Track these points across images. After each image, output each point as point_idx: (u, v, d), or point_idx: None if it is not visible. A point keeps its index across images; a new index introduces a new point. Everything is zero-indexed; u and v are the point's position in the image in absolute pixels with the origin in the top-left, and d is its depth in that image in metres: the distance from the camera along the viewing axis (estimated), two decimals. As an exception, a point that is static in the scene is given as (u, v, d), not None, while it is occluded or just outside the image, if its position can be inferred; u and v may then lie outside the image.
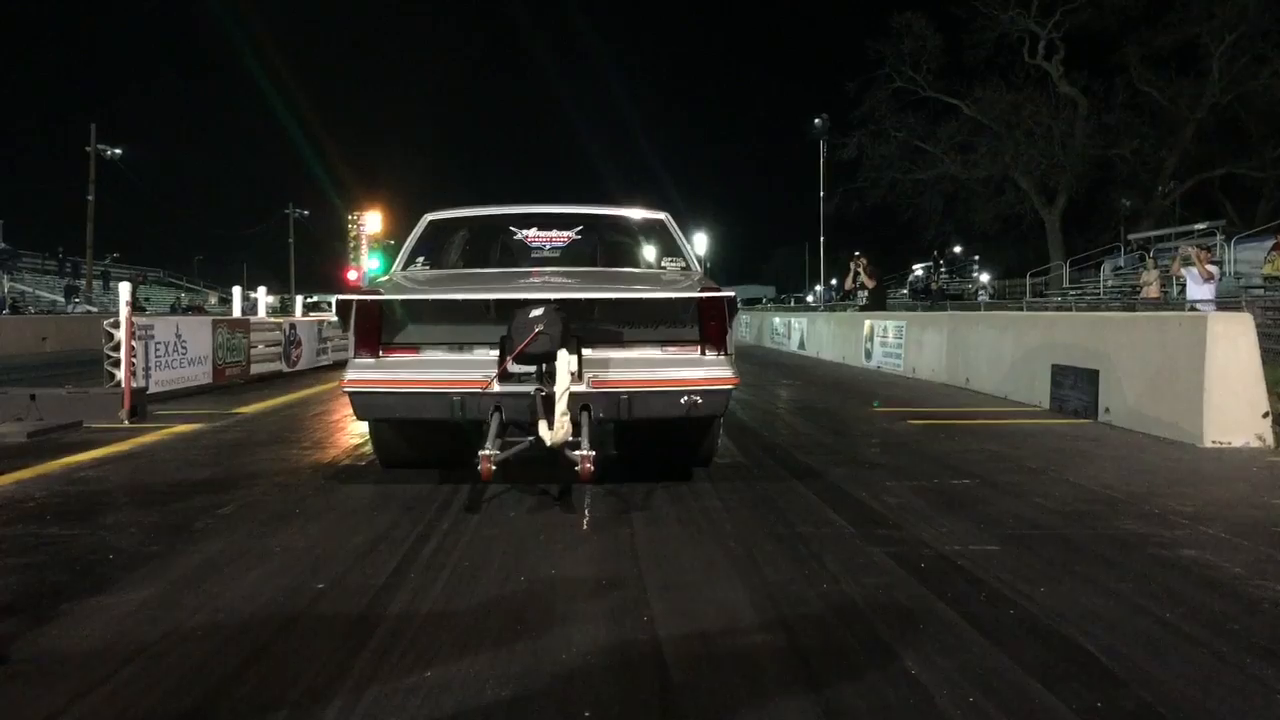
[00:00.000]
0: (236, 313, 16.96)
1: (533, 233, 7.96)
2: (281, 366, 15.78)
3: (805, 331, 24.43)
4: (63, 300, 47.95)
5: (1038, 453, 7.81)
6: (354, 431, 9.47)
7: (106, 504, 5.85)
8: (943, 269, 69.23)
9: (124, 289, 10.86)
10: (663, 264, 7.57)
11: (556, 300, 5.66)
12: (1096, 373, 9.79)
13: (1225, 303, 18.98)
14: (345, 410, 11.22)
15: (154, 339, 11.54)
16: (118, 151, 48.58)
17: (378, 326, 6.08)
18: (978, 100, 45.75)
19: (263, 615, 3.75)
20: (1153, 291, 23.72)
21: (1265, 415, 8.04)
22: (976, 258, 77.83)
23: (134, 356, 10.42)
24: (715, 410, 6.06)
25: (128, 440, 8.40)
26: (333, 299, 27.82)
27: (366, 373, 6.01)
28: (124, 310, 10.38)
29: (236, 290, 17.96)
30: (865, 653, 3.40)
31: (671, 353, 6.14)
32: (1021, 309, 30.41)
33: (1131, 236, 39.90)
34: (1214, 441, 7.95)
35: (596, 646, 3.44)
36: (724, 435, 8.90)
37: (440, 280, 6.98)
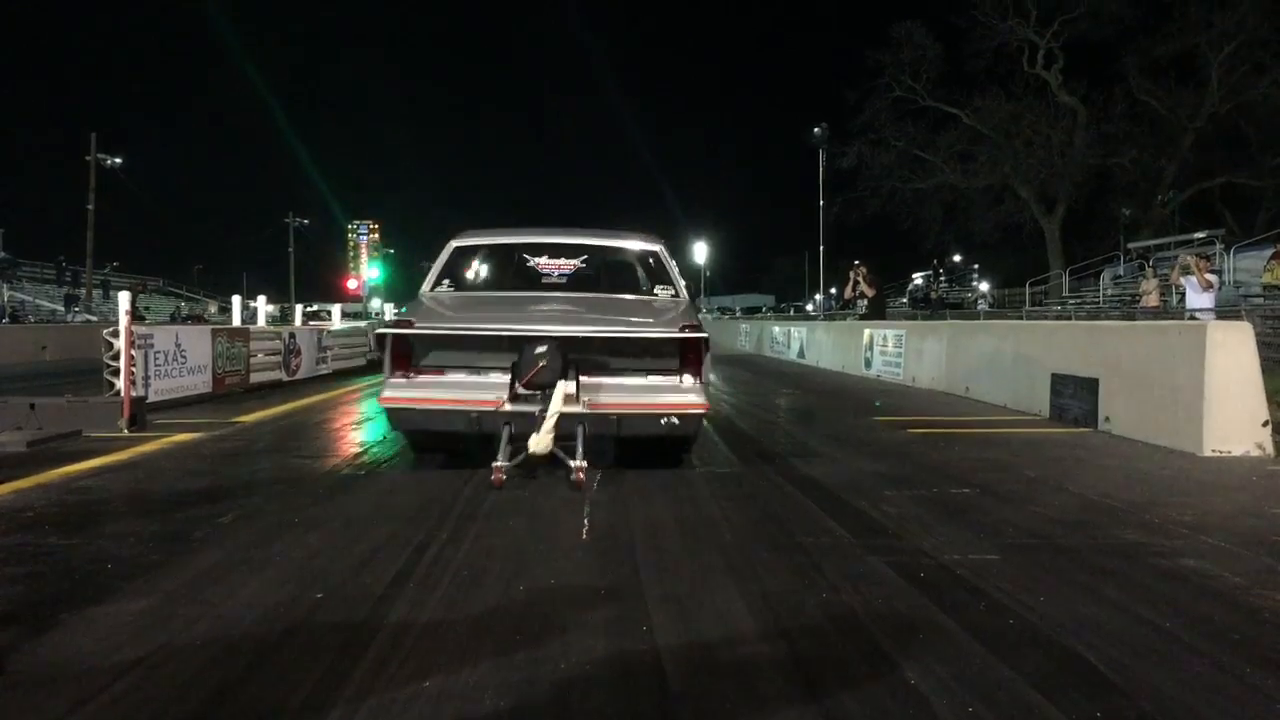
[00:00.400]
0: (236, 322, 16.97)
1: (544, 260, 9.07)
2: (281, 375, 15.77)
3: (805, 340, 24.44)
4: (62, 309, 47.96)
5: (1037, 461, 7.82)
6: (354, 440, 9.49)
7: (105, 513, 5.84)
8: (942, 278, 69.28)
9: (123, 298, 10.85)
10: (655, 290, 8.62)
11: (559, 337, 6.66)
12: (1096, 381, 9.79)
13: (1225, 311, 18.98)
14: (345, 419, 11.27)
15: (154, 348, 11.53)
16: (118, 161, 48.61)
17: (409, 352, 7.09)
18: (977, 109, 45.79)
19: (262, 625, 3.75)
20: (1152, 300, 23.74)
21: (1265, 424, 8.04)
22: (976, 266, 77.87)
23: (133, 365, 10.41)
24: (689, 431, 7.21)
25: (127, 449, 8.39)
26: (332, 308, 28.03)
27: (400, 391, 6.98)
28: (123, 319, 10.38)
29: (236, 299, 17.99)
30: (865, 662, 3.39)
31: (654, 380, 7.10)
32: (1021, 317, 30.40)
33: (1131, 245, 39.90)
34: (1214, 450, 7.94)
35: (596, 656, 3.43)
36: (723, 444, 8.95)
37: (463, 305, 8.04)
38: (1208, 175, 43.82)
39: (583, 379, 6.88)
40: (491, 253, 9.67)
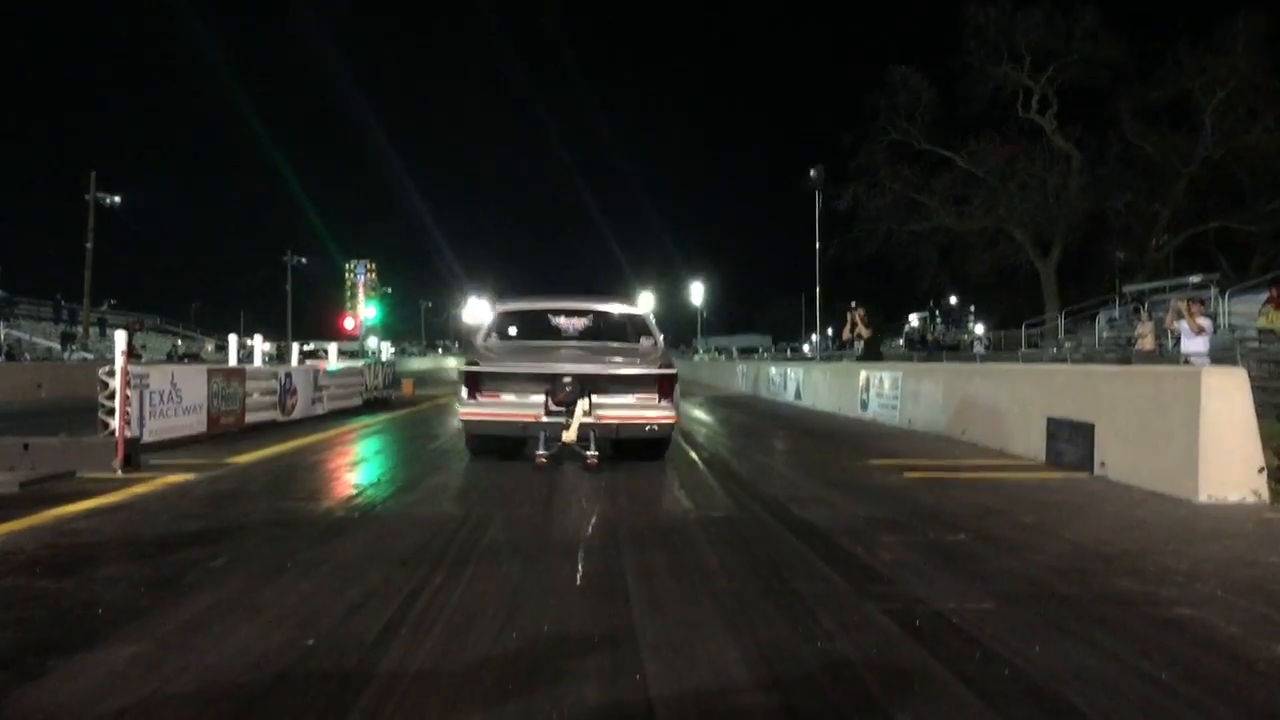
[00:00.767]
0: (232, 361, 16.96)
1: (562, 320, 12.51)
2: (277, 415, 15.74)
3: (801, 382, 24.44)
4: (59, 347, 47.92)
5: (1033, 507, 7.80)
6: (348, 482, 9.47)
7: (97, 556, 5.80)
8: (938, 319, 69.43)
9: (120, 337, 10.86)
10: (640, 340, 11.81)
11: (579, 373, 10.04)
12: (1092, 426, 9.79)
13: (1220, 355, 19.01)
14: (340, 460, 11.25)
15: (149, 388, 11.53)
16: (116, 199, 48.68)
17: (477, 384, 10.21)
18: (972, 153, 46.19)
19: (252, 673, 3.72)
20: (1147, 344, 23.73)
21: (1260, 470, 8.03)
22: (972, 308, 78.13)
23: (128, 405, 10.40)
24: (665, 435, 10.66)
25: (120, 491, 8.36)
26: (329, 346, 28.26)
27: (472, 408, 10.25)
28: (119, 359, 10.38)
29: (233, 338, 17.98)
30: (859, 713, 3.37)
31: (640, 399, 10.33)
32: (1017, 360, 30.46)
33: (1126, 288, 40.05)
34: (1210, 497, 7.93)
35: (589, 706, 3.41)
36: (719, 488, 8.94)
37: (512, 352, 11.32)
38: (1202, 219, 44.11)
39: (593, 398, 10.08)
40: (525, 314, 12.90)
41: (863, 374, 18.76)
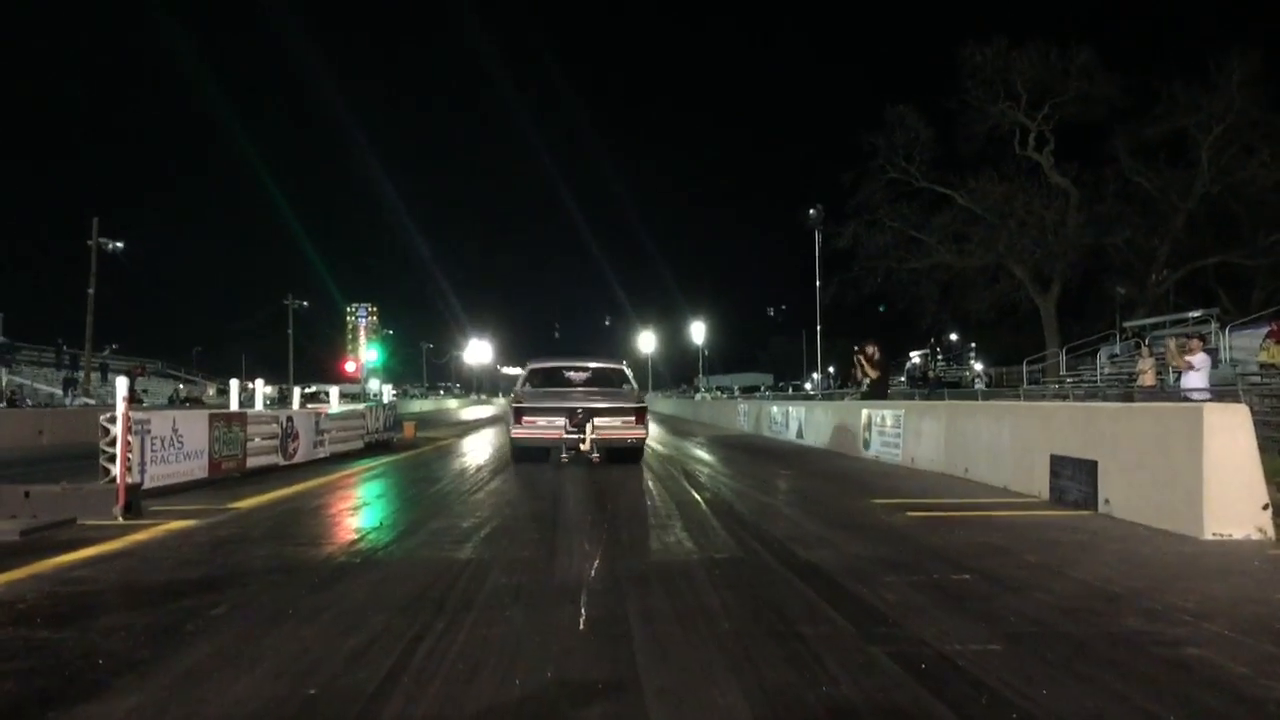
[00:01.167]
0: (234, 405, 16.94)
1: (571, 373, 17.79)
2: (278, 459, 15.71)
3: (803, 421, 24.40)
4: (60, 392, 47.94)
5: (1038, 546, 7.76)
6: (350, 527, 9.43)
7: (98, 605, 5.78)
8: (939, 357, 69.43)
9: (121, 384, 10.86)
10: (623, 386, 17.13)
11: (586, 407, 14.92)
12: (1095, 464, 9.76)
13: (1222, 390, 18.99)
14: (342, 504, 11.23)
15: (150, 433, 11.51)
16: (119, 245, 48.86)
17: (522, 414, 15.15)
18: (971, 190, 46.31)
19: (253, 723, 3.69)
20: (1148, 379, 23.72)
21: (1265, 507, 8.00)
22: (973, 345, 78.15)
23: (130, 452, 10.38)
24: (640, 444, 15.61)
25: (121, 538, 8.33)
26: (330, 389, 29.01)
27: (519, 430, 15.16)
28: (120, 405, 10.38)
29: (234, 383, 17.98)
30: (866, 760, 3.34)
31: (624, 423, 15.13)
32: (1018, 397, 30.40)
33: (1127, 324, 40.07)
34: (1215, 534, 7.90)
35: (592, 755, 3.38)
36: (722, 528, 8.90)
37: (542, 394, 16.29)
38: (1201, 254, 44.15)
39: (595, 422, 14.96)
40: (547, 369, 18.06)
41: (864, 412, 18.74)
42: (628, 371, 17.97)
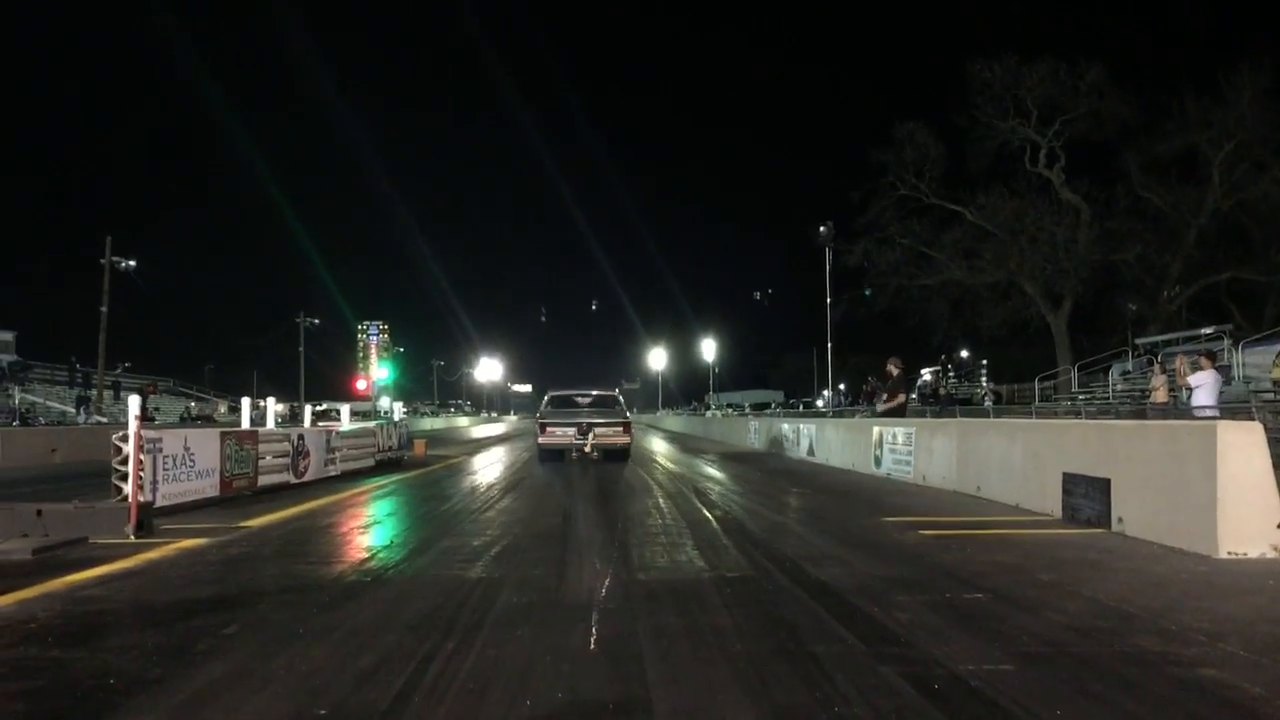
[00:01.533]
0: (245, 423, 16.98)
1: (578, 398, 23.76)
2: (289, 477, 15.74)
3: (814, 438, 24.35)
4: (74, 410, 48.09)
5: (1051, 565, 7.72)
6: (361, 545, 9.43)
7: (109, 624, 5.79)
8: (950, 374, 69.25)
9: (133, 402, 10.89)
10: (615, 407, 23.27)
11: (588, 422, 21.45)
12: (1108, 481, 9.72)
13: (1235, 407, 18.90)
14: (353, 522, 11.23)
15: (162, 452, 11.54)
16: (132, 263, 49.06)
17: (545, 427, 21.40)
18: (981, 207, 46.32)
19: (263, 743, 3.68)
20: (1160, 396, 23.65)
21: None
22: (985, 362, 77.96)
23: (141, 470, 10.41)
24: (627, 448, 21.92)
25: (133, 556, 8.35)
26: (341, 407, 30.45)
27: (543, 438, 21.31)
28: (133, 424, 10.41)
29: (245, 401, 18.02)
30: (878, 782, 3.32)
31: (615, 432, 21.29)
32: (1030, 414, 30.29)
33: (1139, 341, 39.92)
34: (1229, 553, 7.85)
35: (603, 776, 3.36)
36: (733, 547, 8.87)
37: (558, 413, 22.25)
38: (1213, 270, 44.02)
39: (595, 431, 20.94)
40: (562, 395, 23.98)
41: (876, 430, 18.69)
42: (620, 397, 25.12)
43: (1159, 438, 9.47)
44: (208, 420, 51.84)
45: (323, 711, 4.07)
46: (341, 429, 20.15)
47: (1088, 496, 10.09)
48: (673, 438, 46.09)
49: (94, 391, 51.42)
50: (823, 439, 23.56)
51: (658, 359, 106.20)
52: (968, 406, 41.15)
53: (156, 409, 50.05)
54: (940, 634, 5.39)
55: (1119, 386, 35.98)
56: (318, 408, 32.02)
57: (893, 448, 17.40)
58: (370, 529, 10.82)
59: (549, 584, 7.08)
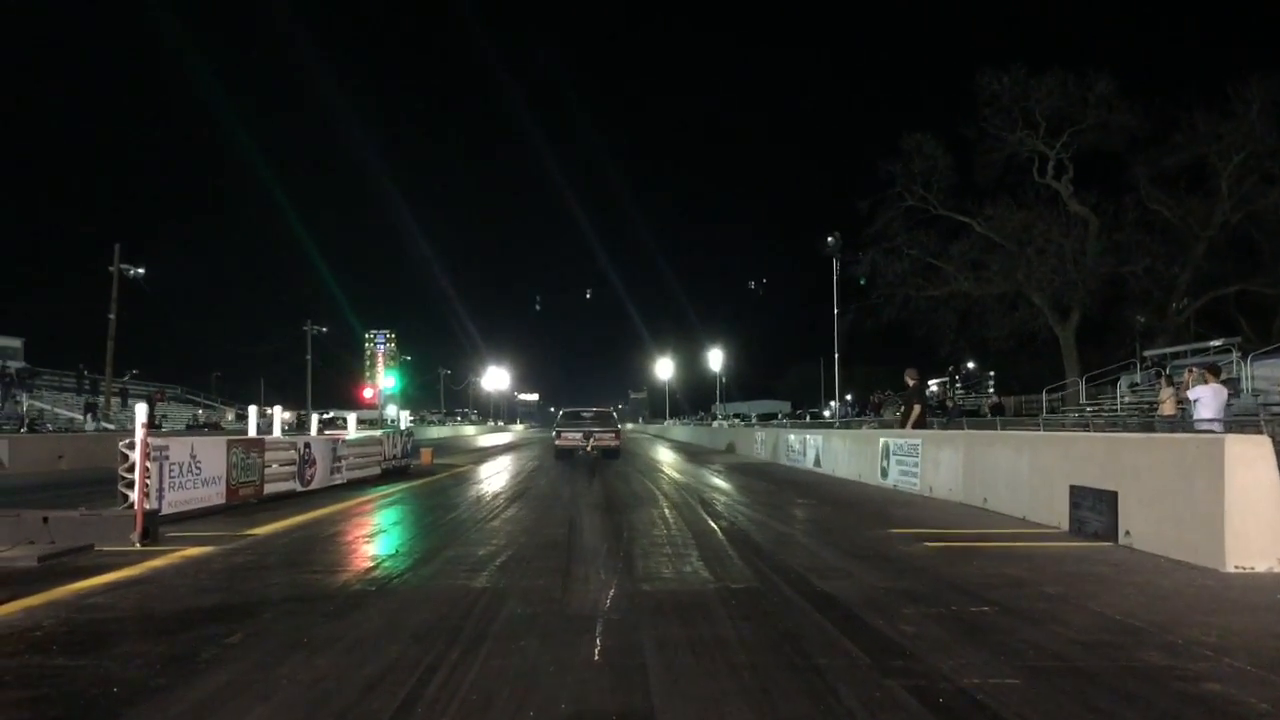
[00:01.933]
0: (252, 431, 16.99)
1: (584, 413, 31.47)
2: (295, 485, 15.75)
3: (821, 449, 24.31)
4: (81, 417, 48.16)
5: (1058, 578, 7.69)
6: (366, 554, 9.43)
7: (114, 633, 5.79)
8: (958, 385, 69.14)
9: (140, 410, 10.90)
10: (610, 419, 31.77)
11: (591, 429, 29.76)
12: (1115, 494, 9.69)
13: (1244, 421, 18.84)
14: (358, 531, 11.23)
15: (168, 459, 11.56)
16: (140, 271, 49.13)
17: (560, 433, 29.77)
18: (989, 218, 46.25)
19: (266, 754, 3.68)
20: (1168, 409, 23.57)
21: (1288, 539, 7.90)
22: (992, 374, 77.83)
23: (148, 478, 10.42)
24: (618, 447, 30.23)
25: (138, 564, 8.36)
26: (348, 415, 30.79)
27: (559, 441, 29.53)
28: (139, 432, 10.42)
29: (252, 410, 18.02)
30: (882, 796, 3.30)
31: (609, 437, 29.64)
32: (1038, 426, 30.22)
33: (1147, 353, 39.81)
34: (1237, 566, 7.82)
35: (606, 789, 3.35)
36: (739, 558, 8.86)
37: (569, 423, 30.42)
38: (1222, 283, 43.91)
39: (595, 436, 29.12)
40: (571, 411, 31.48)
41: (882, 441, 18.66)
42: (613, 413, 33.23)
43: (1166, 451, 9.43)
44: (215, 428, 51.92)
45: (326, 721, 4.07)
46: (348, 437, 20.16)
47: (1095, 509, 10.06)
48: (679, 447, 46.07)
49: (102, 398, 51.50)
50: (829, 450, 23.52)
51: (664, 369, 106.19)
52: (974, 418, 41.10)
53: (163, 417, 50.15)
54: (946, 647, 5.37)
55: (1127, 399, 35.91)
56: (324, 416, 31.96)
57: (899, 459, 17.36)
58: (376, 538, 10.82)
59: (554, 594, 7.07)
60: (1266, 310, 44.08)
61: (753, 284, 76.68)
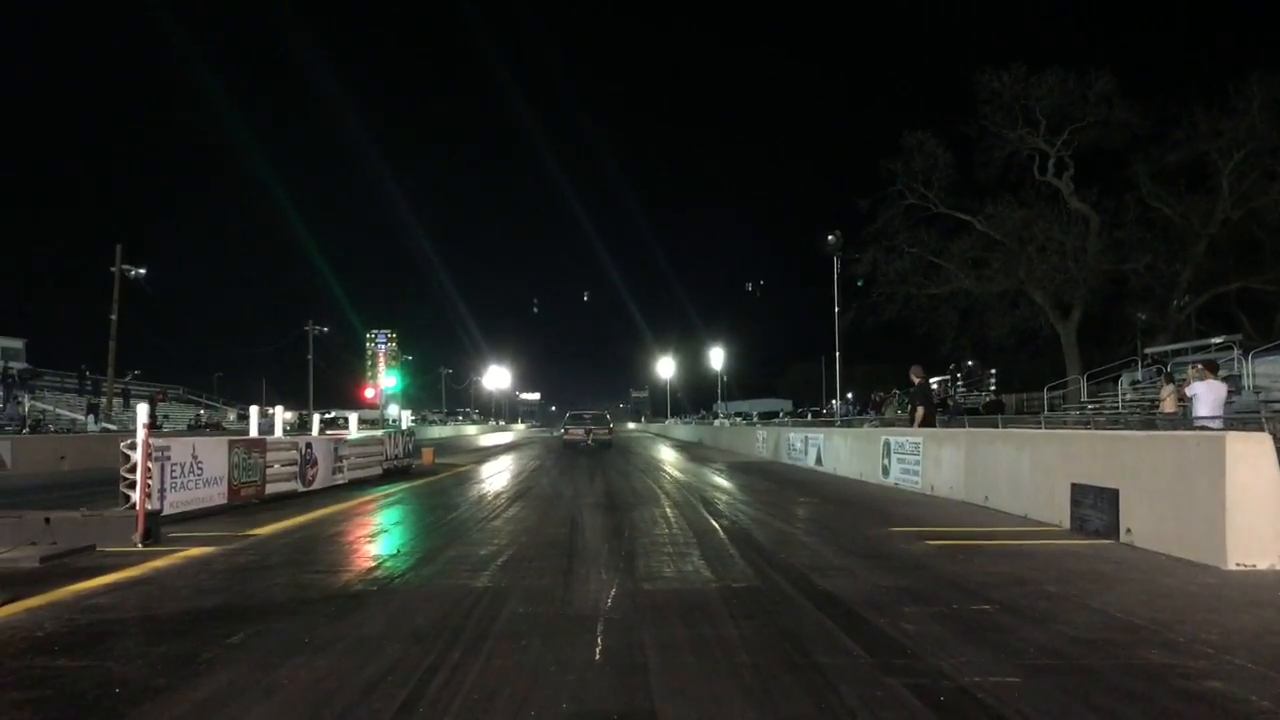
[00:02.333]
0: (254, 431, 17.00)
1: (585, 414, 46.15)
2: (297, 486, 15.76)
3: (822, 447, 24.30)
4: (83, 418, 48.15)
5: (1059, 576, 7.69)
6: (368, 554, 9.43)
7: (116, 633, 5.80)
8: (959, 383, 69.12)
9: (141, 410, 10.91)
10: (606, 418, 45.38)
11: (590, 426, 41.75)
12: (1116, 492, 9.68)
13: (1245, 418, 18.82)
14: (360, 531, 11.23)
15: (170, 460, 11.57)
16: (142, 272, 49.12)
17: (567, 429, 42.75)
18: (990, 216, 46.22)
19: (267, 754, 3.68)
20: (1169, 406, 23.57)
21: (1289, 536, 7.90)
22: (993, 371, 77.78)
23: (149, 478, 10.43)
24: (611, 439, 42.39)
25: (140, 565, 8.36)
26: (349, 415, 29.75)
27: (566, 436, 41.94)
28: (141, 433, 10.43)
29: (254, 410, 18.03)
30: (883, 795, 3.30)
31: (604, 432, 41.52)
32: (1039, 424, 30.21)
33: (1148, 351, 39.80)
34: (1238, 564, 7.81)
35: (607, 788, 3.36)
36: (740, 557, 8.86)
37: (573, 422, 43.41)
38: (1223, 280, 43.89)
39: (593, 431, 40.76)
40: (575, 413, 46.53)
41: (884, 439, 18.65)
42: (607, 415, 44.75)
43: (1167, 448, 9.42)
44: (217, 428, 51.92)
45: (327, 722, 4.07)
46: (349, 437, 20.18)
47: (1096, 507, 10.06)
48: (681, 446, 46.12)
49: (104, 399, 51.50)
50: (830, 448, 23.52)
51: (666, 368, 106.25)
52: (975, 416, 41.09)
53: (165, 417, 50.15)
54: (947, 645, 5.37)
55: (1128, 396, 35.89)
56: (326, 416, 31.98)
57: (900, 457, 17.36)
58: (377, 538, 10.83)
59: (555, 594, 7.07)
60: (1268, 307, 44.05)
61: (751, 285, 76.80)
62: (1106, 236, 43.97)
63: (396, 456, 22.42)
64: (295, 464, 15.87)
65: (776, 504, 14.61)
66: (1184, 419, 20.86)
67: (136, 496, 10.12)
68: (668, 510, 13.32)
